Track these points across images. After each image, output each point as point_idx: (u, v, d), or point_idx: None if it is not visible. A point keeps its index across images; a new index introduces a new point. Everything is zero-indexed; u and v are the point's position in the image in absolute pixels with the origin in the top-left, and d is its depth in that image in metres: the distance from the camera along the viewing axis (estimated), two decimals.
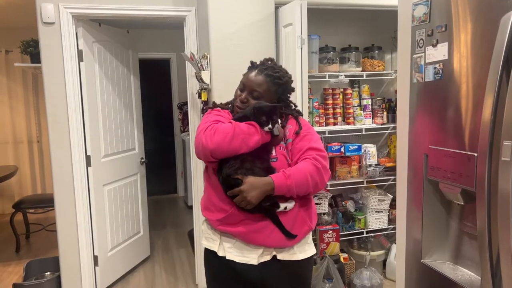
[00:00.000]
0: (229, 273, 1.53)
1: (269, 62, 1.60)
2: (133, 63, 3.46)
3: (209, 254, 1.58)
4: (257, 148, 1.46)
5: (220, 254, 1.54)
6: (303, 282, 1.58)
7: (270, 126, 1.47)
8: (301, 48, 2.48)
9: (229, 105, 1.64)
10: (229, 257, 1.51)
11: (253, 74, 1.58)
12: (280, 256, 1.53)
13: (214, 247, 1.56)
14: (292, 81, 1.63)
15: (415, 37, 1.39)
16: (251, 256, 1.51)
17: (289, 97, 1.64)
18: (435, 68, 1.33)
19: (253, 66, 1.62)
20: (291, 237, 1.50)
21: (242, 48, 2.58)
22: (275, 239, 1.50)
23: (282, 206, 1.50)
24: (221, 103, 1.66)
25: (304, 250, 1.58)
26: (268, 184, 1.46)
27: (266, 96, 1.57)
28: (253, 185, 1.46)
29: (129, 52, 3.40)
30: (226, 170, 1.46)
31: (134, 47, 3.43)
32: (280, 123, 1.52)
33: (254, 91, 1.57)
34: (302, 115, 1.66)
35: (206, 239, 1.60)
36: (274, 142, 1.52)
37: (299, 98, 2.43)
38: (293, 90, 1.64)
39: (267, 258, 1.51)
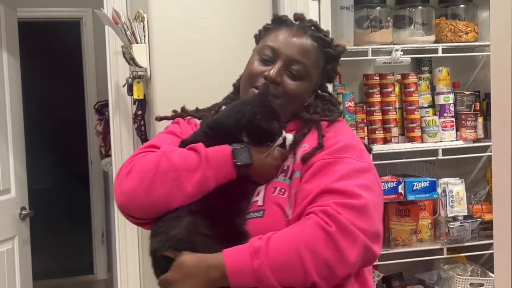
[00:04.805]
0: None
1: (303, 16, 1.55)
2: (8, 29, 3.00)
3: None
4: (226, 190, 1.30)
5: None
6: None
7: (286, 136, 1.34)
8: (319, 0, 2.29)
9: (211, 111, 1.54)
10: None
11: (289, 33, 1.45)
12: None
13: None
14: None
15: None
16: None
17: (327, 87, 1.57)
18: None
19: (282, 21, 1.51)
20: None
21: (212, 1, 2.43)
22: None
23: None
24: (197, 109, 1.51)
25: None
26: (213, 269, 1.21)
27: (311, 75, 1.43)
28: (188, 270, 1.23)
29: None
30: (152, 240, 1.32)
31: (9, 0, 3.06)
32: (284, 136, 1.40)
33: (295, 63, 1.40)
34: (341, 114, 1.55)
35: None
36: (263, 177, 1.33)
37: None
38: (338, 73, 1.71)
39: None
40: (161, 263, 1.29)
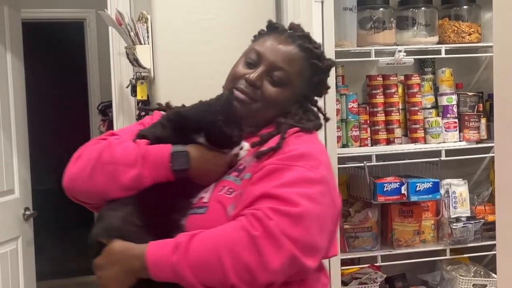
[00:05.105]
0: None
1: (299, 26, 1.54)
2: (12, 30, 3.00)
3: None
4: (165, 187, 1.29)
5: None
6: None
7: (243, 145, 1.33)
8: (322, 1, 2.26)
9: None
10: None
11: (277, 40, 1.44)
12: None
13: None
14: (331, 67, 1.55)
15: None
16: None
17: (317, 101, 1.54)
18: None
19: (273, 28, 1.50)
20: None
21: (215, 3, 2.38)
22: None
23: None
24: (183, 106, 1.46)
25: None
26: (135, 258, 1.20)
27: (294, 84, 1.41)
28: (114, 257, 1.23)
29: (3, 10, 2.95)
30: (93, 226, 1.36)
31: (13, 1, 3.06)
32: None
33: (277, 70, 1.40)
34: (319, 127, 1.43)
35: None
36: (203, 181, 1.33)
37: None
38: (328, 87, 1.54)
39: None
40: (96, 249, 1.30)
